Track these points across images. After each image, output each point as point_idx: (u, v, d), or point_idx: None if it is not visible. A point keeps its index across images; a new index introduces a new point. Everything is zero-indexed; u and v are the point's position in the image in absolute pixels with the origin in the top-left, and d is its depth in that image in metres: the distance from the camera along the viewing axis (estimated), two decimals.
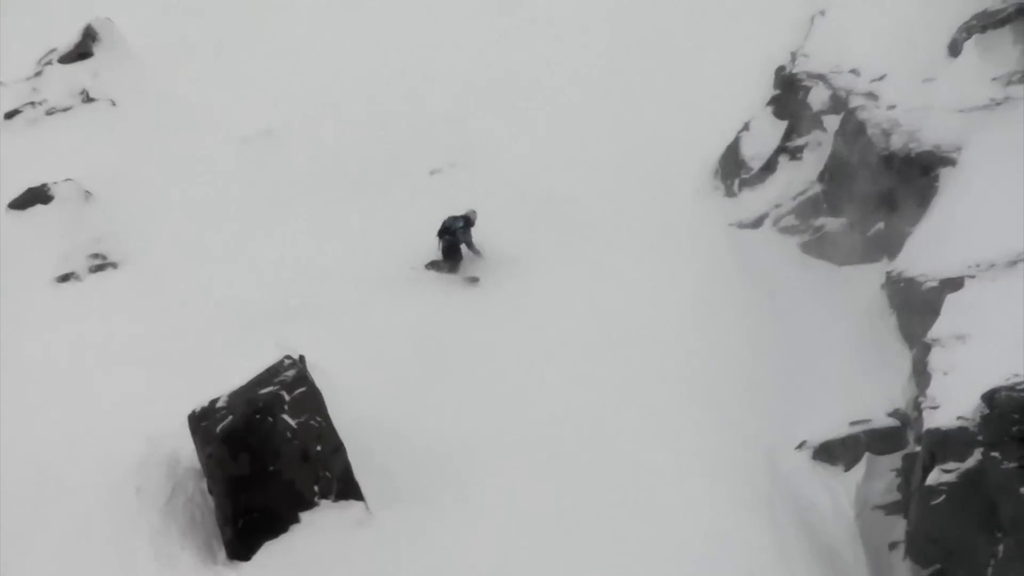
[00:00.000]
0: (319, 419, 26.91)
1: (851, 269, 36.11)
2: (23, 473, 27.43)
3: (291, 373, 27.30)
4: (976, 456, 26.58)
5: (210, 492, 27.17)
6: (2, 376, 30.46)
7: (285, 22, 50.24)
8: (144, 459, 27.73)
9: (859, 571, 28.25)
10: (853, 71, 39.33)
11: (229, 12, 51.59)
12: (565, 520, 27.05)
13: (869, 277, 35.05)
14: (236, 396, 27.16)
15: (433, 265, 33.66)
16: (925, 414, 28.10)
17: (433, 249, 34.76)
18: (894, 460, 30.47)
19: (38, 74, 49.75)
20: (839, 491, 30.26)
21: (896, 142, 35.88)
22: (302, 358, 28.18)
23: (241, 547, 26.12)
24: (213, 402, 27.16)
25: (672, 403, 31.40)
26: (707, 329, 34.12)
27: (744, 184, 41.17)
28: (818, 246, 37.91)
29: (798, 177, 39.34)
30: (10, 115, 47.73)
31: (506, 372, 32.07)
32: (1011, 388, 26.39)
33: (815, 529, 28.92)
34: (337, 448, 27.04)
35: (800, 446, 31.13)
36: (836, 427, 31.37)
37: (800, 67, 42.09)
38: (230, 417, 26.70)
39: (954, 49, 37.22)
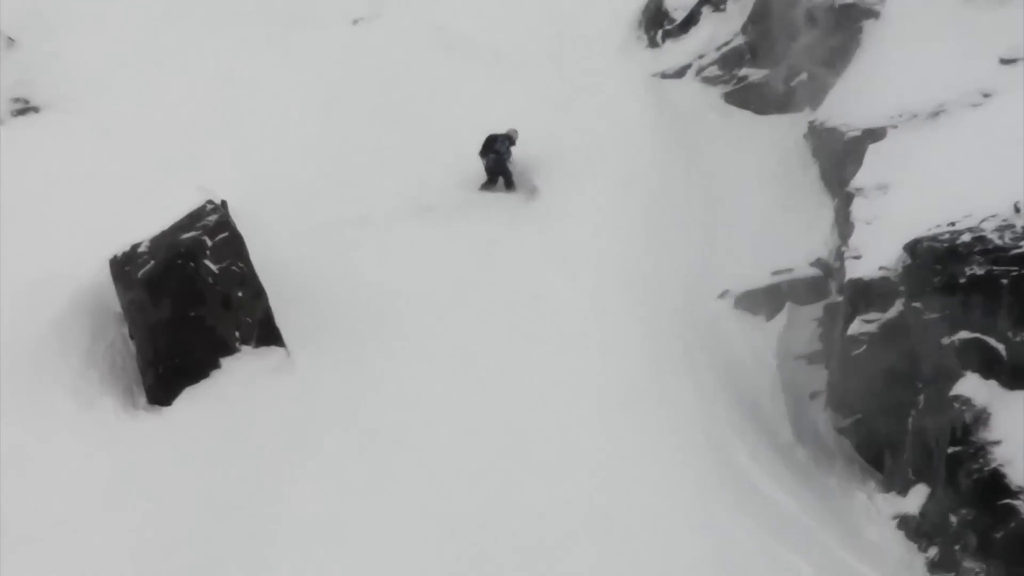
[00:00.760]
0: (241, 264, 26.59)
1: (773, 119, 35.48)
2: None
3: (213, 218, 26.87)
4: (898, 306, 26.18)
5: (131, 337, 26.73)
6: None
7: None
8: (66, 304, 27.09)
9: (780, 420, 27.89)
10: None
11: None
12: (478, 360, 26.82)
13: (792, 127, 34.49)
14: (158, 241, 26.66)
15: (487, 186, 32.56)
16: (847, 264, 27.63)
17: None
18: (816, 310, 30.07)
19: None
20: (760, 341, 29.88)
21: None
22: (224, 203, 27.52)
23: (162, 392, 25.86)
24: (135, 247, 26.65)
25: (593, 254, 30.89)
26: (628, 178, 33.45)
27: (667, 35, 40.35)
28: (741, 96, 37.23)
29: (722, 28, 38.62)
30: None
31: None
32: (933, 238, 25.79)
33: (736, 378, 28.49)
34: (258, 293, 26.74)
35: (722, 296, 30.69)
36: (758, 277, 30.93)
37: None
38: (152, 262, 26.27)
39: None
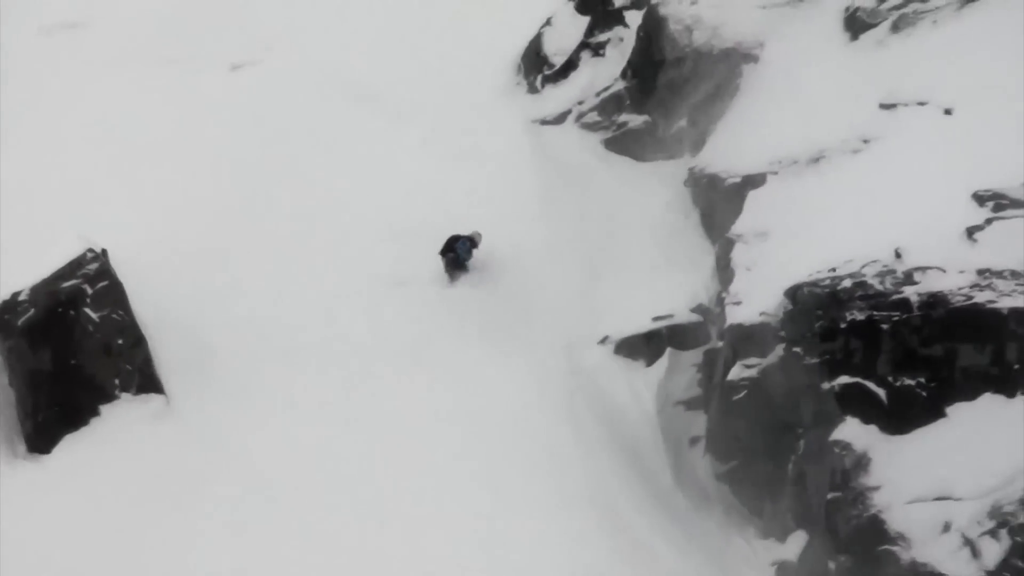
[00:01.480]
0: (121, 312, 26.10)
1: (654, 165, 34.86)
2: None
3: (94, 266, 26.30)
4: (778, 352, 25.61)
5: (11, 386, 25.92)
6: None
7: None
8: None
9: (660, 466, 27.20)
10: None
11: None
12: (362, 406, 26.08)
13: (672, 173, 33.84)
14: (38, 289, 26.04)
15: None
16: (728, 309, 27.07)
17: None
18: (696, 356, 29.43)
19: None
20: (641, 386, 29.15)
21: (698, 38, 34.48)
22: (104, 251, 26.74)
23: (41, 440, 25.24)
24: (15, 295, 25.94)
25: (476, 301, 30.14)
26: (506, 223, 32.48)
27: (547, 80, 39.46)
28: (621, 142, 36.48)
29: (601, 73, 37.78)
30: None
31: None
32: (813, 284, 25.24)
33: (617, 424, 27.72)
34: (138, 341, 26.22)
35: (602, 341, 29.90)
36: (638, 322, 30.18)
37: None
38: (32, 310, 25.72)
39: None
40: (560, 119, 37.95)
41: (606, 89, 37.50)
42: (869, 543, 22.55)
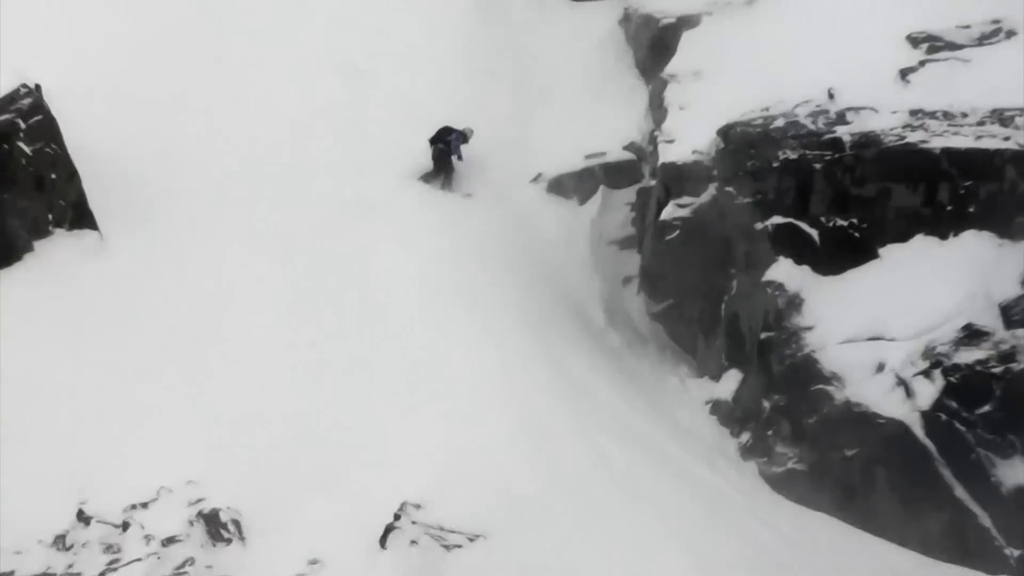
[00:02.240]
0: (55, 147, 24.48)
1: (588, 6, 33.20)
2: None
3: (27, 101, 24.58)
4: (711, 191, 24.71)
5: None
6: None
7: None
8: None
9: (593, 305, 26.40)
10: None
11: None
12: (299, 247, 24.65)
13: (607, 14, 32.38)
14: None
15: (428, 177, 27.96)
16: (661, 148, 26.01)
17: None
18: (629, 194, 28.49)
19: None
20: (574, 225, 28.22)
21: None
22: (38, 87, 24.88)
23: None
24: None
25: (405, 135, 28.62)
26: (437, 61, 31.16)
27: None
28: None
29: None
30: None
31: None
32: (746, 123, 24.30)
33: (550, 262, 26.78)
34: (72, 176, 24.66)
35: (535, 179, 28.82)
36: (571, 161, 29.12)
37: None
38: None
39: None
40: None
41: None
42: (803, 382, 21.97)
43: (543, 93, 30.48)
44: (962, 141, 22.14)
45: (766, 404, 22.65)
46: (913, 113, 22.94)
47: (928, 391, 20.65)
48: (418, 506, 18.49)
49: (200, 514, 18.84)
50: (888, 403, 20.94)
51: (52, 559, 18.41)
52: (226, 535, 18.63)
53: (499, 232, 26.72)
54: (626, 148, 29.16)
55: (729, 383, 23.77)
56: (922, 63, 23.82)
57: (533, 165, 28.96)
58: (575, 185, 28.80)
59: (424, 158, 27.78)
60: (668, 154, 25.55)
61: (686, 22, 28.66)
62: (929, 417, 20.57)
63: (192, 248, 24.16)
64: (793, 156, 23.37)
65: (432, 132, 28.00)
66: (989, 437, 20.08)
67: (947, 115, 22.68)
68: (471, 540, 18.15)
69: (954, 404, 20.41)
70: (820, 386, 21.75)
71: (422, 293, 23.59)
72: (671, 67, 27.58)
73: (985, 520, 19.99)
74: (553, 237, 27.64)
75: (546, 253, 26.87)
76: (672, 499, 19.86)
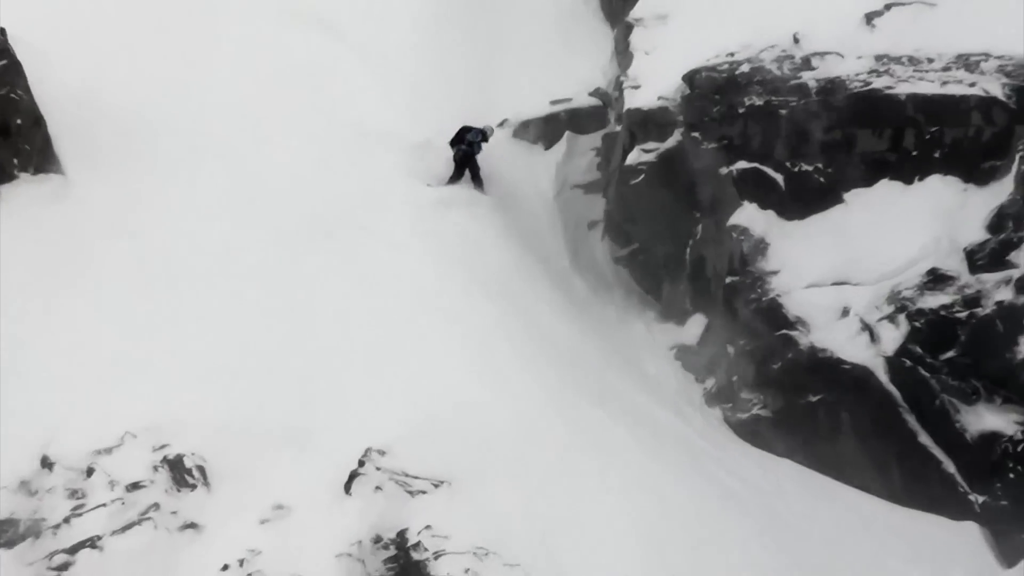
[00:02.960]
0: (20, 92, 23.33)
1: None
2: None
3: None
4: (676, 136, 23.92)
5: None
6: None
7: None
8: None
9: (558, 249, 25.59)
10: None
11: None
12: (262, 191, 23.60)
13: None
14: None
15: (452, 181, 25.63)
16: (626, 93, 25.16)
17: None
18: (594, 139, 27.64)
19: None
20: (539, 170, 27.37)
21: None
22: (3, 31, 23.65)
23: None
24: None
25: (372, 86, 27.63)
26: (407, 12, 29.95)
27: None
28: None
29: None
30: None
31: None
32: (712, 69, 23.42)
33: (515, 207, 25.86)
34: (37, 121, 23.51)
35: (501, 124, 27.79)
36: (537, 106, 28.18)
37: None
38: None
39: None
40: None
41: None
42: (768, 327, 21.33)
43: (509, 39, 29.43)
44: (928, 87, 21.33)
45: (731, 349, 22.05)
46: (879, 58, 22.10)
47: (893, 336, 20.02)
48: (383, 452, 17.72)
49: (165, 460, 18.05)
50: (853, 348, 20.34)
51: (17, 504, 17.60)
52: (191, 481, 17.86)
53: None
54: (592, 94, 28.34)
55: (694, 328, 23.17)
56: (887, 7, 22.91)
57: (499, 109, 27.97)
58: (541, 130, 27.98)
59: (440, 162, 26.21)
60: (634, 100, 24.77)
61: None
62: (893, 362, 19.95)
63: (161, 196, 23.11)
64: (759, 102, 22.66)
65: (447, 128, 26.23)
66: (954, 383, 19.42)
67: (913, 60, 21.85)
68: (436, 486, 17.39)
69: (918, 350, 19.76)
70: (785, 331, 21.14)
71: (393, 252, 22.55)
72: (636, 11, 26.60)
73: (949, 466, 19.44)
74: (519, 182, 26.74)
75: (511, 198, 25.87)
76: (638, 447, 19.12)
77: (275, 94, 26.45)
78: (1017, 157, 19.99)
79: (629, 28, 26.50)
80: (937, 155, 21.07)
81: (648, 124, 24.31)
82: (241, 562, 16.54)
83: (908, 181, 21.27)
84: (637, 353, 23.02)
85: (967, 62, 21.24)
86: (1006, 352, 18.97)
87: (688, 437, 20.60)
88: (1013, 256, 19.47)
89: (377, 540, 16.72)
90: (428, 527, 16.64)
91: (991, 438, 18.99)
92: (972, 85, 21.00)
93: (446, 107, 27.30)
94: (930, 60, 21.65)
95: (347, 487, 17.36)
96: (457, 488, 17.28)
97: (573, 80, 28.29)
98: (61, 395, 18.77)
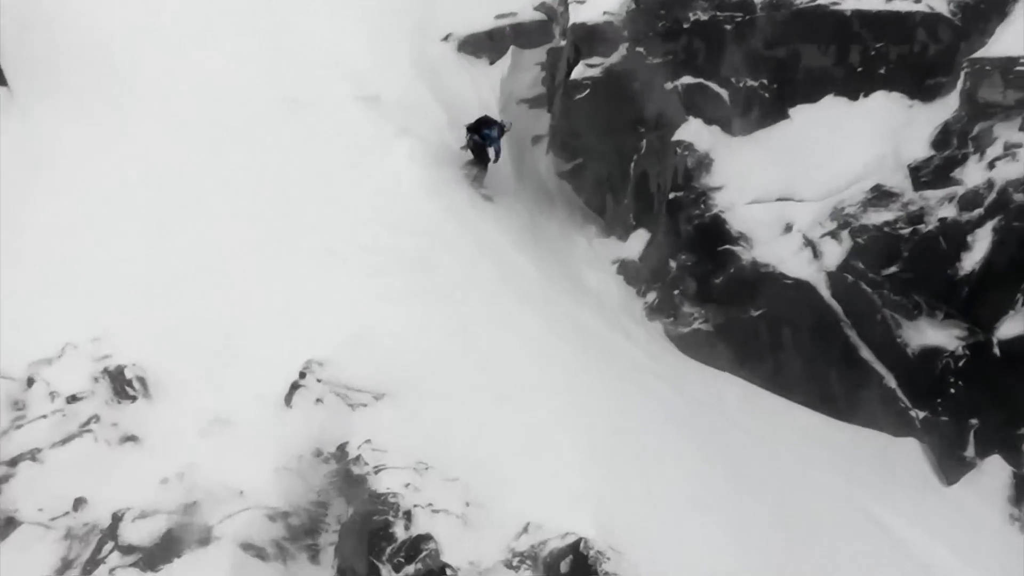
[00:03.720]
0: None
1: None
2: None
3: None
4: (621, 51, 22.78)
5: None
6: None
7: None
8: None
9: (503, 164, 24.48)
10: None
11: None
12: (216, 121, 22.38)
13: None
14: None
15: (467, 167, 23.26)
16: (571, 8, 23.96)
17: None
18: (539, 54, 26.45)
19: None
20: (484, 84, 26.16)
21: None
22: None
23: None
24: None
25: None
26: None
27: None
28: None
29: None
30: None
31: None
32: None
33: (461, 122, 24.61)
34: None
35: (445, 38, 26.65)
36: (481, 20, 26.99)
37: None
38: None
39: None
40: None
41: None
42: (710, 243, 20.50)
43: None
44: (873, 3, 20.48)
45: (673, 264, 21.21)
46: None
47: (835, 252, 19.31)
48: (322, 364, 16.90)
49: (106, 371, 17.25)
50: (795, 264, 19.60)
51: None
52: (131, 392, 17.05)
53: (411, 89, 24.62)
54: (536, 8, 27.23)
55: (636, 243, 22.33)
56: None
57: (443, 23, 26.84)
58: (485, 45, 26.79)
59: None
60: (578, 14, 23.61)
61: None
62: (836, 278, 19.23)
63: (107, 118, 22.07)
64: (704, 17, 21.71)
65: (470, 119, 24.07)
66: (896, 298, 18.72)
67: None
68: (377, 399, 16.62)
69: (861, 265, 19.04)
70: (728, 246, 20.36)
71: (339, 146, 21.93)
72: None
73: (891, 382, 18.83)
74: (464, 97, 25.60)
75: (457, 112, 24.74)
76: (578, 359, 18.33)
77: (232, 34, 25.03)
78: (962, 74, 19.13)
79: None
80: (882, 71, 20.28)
81: (593, 39, 23.21)
82: (180, 475, 15.75)
83: (853, 97, 20.47)
84: (579, 267, 22.19)
85: None
86: (948, 268, 18.28)
87: (629, 351, 19.83)
88: (957, 173, 18.71)
89: (318, 454, 16.00)
90: (368, 441, 15.94)
91: (932, 353, 18.38)
92: (917, 1, 20.22)
93: (392, 21, 26.08)
94: None
95: (288, 399, 16.60)
96: (398, 401, 16.55)
97: None
98: (2, 305, 17.80)
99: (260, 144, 21.89)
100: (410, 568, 14.56)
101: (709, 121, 21.43)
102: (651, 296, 21.45)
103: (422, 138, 22.94)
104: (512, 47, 26.67)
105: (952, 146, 18.89)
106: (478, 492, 15.33)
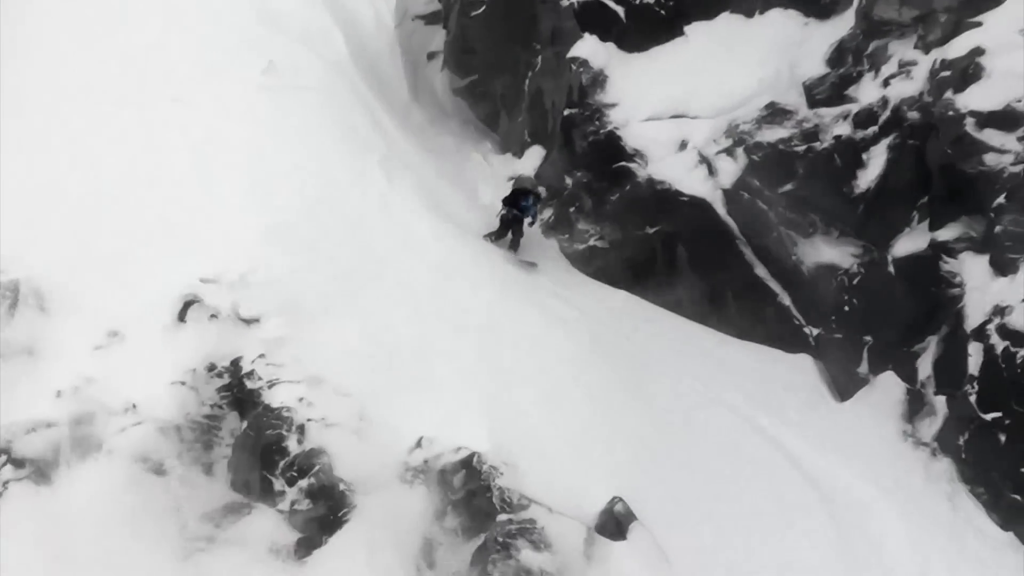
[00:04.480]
0: None
1: None
2: None
3: None
4: None
5: None
6: None
7: None
8: None
9: (398, 80, 23.31)
10: None
11: None
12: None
13: None
14: None
15: (490, 237, 19.77)
16: None
17: None
18: None
19: None
20: (380, 1, 24.82)
21: None
22: None
23: None
24: None
25: None
26: None
27: None
28: None
29: None
30: None
31: None
32: None
33: (357, 38, 23.31)
34: None
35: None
36: None
37: None
38: None
39: None
40: None
41: None
42: (606, 160, 19.42)
43: None
44: None
45: (568, 181, 20.17)
46: None
47: (731, 169, 18.38)
48: (216, 281, 15.78)
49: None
50: (691, 181, 18.63)
51: None
52: (26, 306, 15.84)
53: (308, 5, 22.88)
54: None
55: (532, 159, 21.27)
56: None
57: None
58: None
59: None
60: None
61: None
62: (731, 195, 18.32)
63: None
64: None
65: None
66: (791, 216, 17.86)
67: None
68: (269, 316, 15.57)
69: (756, 183, 18.11)
70: (623, 163, 19.30)
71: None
72: None
73: (785, 299, 18.07)
74: (360, 12, 24.11)
75: (353, 29, 23.33)
76: (475, 274, 17.40)
77: None
78: None
79: None
80: None
81: None
82: (75, 389, 14.87)
83: (749, 14, 19.49)
84: (474, 182, 21.06)
85: None
86: (843, 186, 17.43)
87: (523, 266, 18.80)
88: (852, 91, 17.77)
89: (211, 369, 15.12)
90: (262, 356, 15.05)
91: (827, 271, 17.60)
92: None
93: None
94: None
95: (181, 315, 15.57)
96: (292, 318, 15.56)
97: None
98: None
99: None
100: (303, 482, 14.08)
101: (605, 38, 20.23)
102: (546, 213, 20.42)
103: (319, 54, 21.40)
104: None
105: (847, 64, 17.95)
106: (371, 407, 14.61)
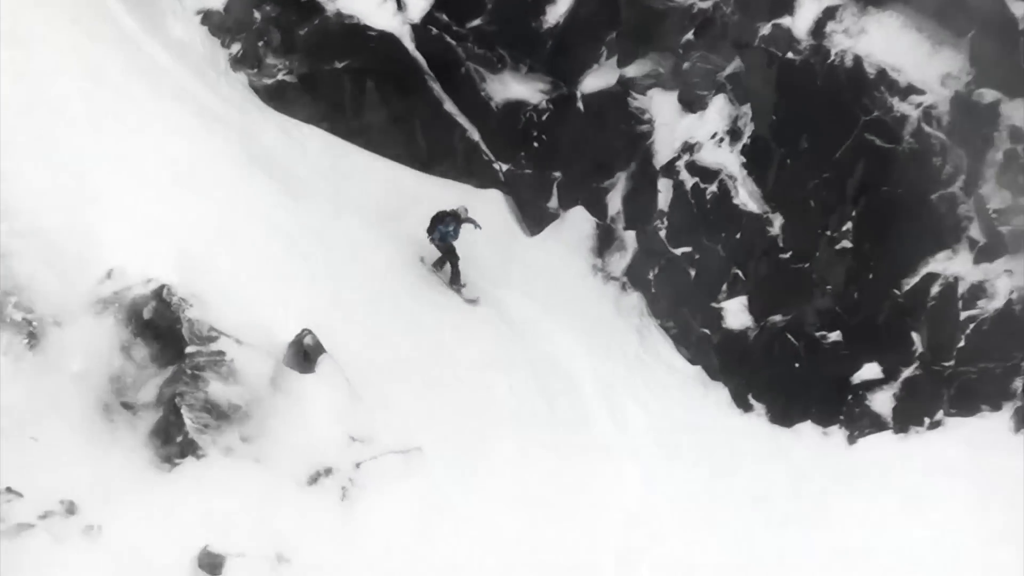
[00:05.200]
0: None
1: None
2: None
3: None
4: None
5: None
6: None
7: None
8: None
9: None
10: None
11: None
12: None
13: None
14: None
15: (437, 266, 17.33)
16: None
17: None
18: None
19: None
20: None
21: None
22: None
23: None
24: None
25: None
26: None
27: None
28: None
29: None
30: None
31: None
32: None
33: None
34: None
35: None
36: None
37: None
38: None
39: None
40: None
41: None
42: None
43: None
44: None
45: (258, 15, 18.66)
46: None
47: (419, 4, 17.60)
48: None
49: None
50: (379, 16, 17.67)
51: None
52: None
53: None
54: None
55: None
56: None
57: None
58: None
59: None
60: None
61: None
62: (420, 30, 17.52)
63: None
64: None
65: None
66: (479, 51, 17.31)
67: None
68: None
69: (445, 17, 17.43)
70: None
71: None
72: None
73: (474, 134, 17.61)
74: None
75: None
76: (159, 107, 15.90)
77: None
78: None
79: None
80: None
81: None
82: None
83: None
84: (163, 17, 19.15)
85: None
86: (532, 21, 16.97)
87: (210, 102, 17.35)
88: None
89: None
90: None
91: (516, 107, 17.28)
92: None
93: None
94: None
95: None
96: None
97: None
98: None
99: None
100: None
101: None
102: (235, 47, 18.87)
103: None
104: None
105: None
106: (61, 238, 13.37)
